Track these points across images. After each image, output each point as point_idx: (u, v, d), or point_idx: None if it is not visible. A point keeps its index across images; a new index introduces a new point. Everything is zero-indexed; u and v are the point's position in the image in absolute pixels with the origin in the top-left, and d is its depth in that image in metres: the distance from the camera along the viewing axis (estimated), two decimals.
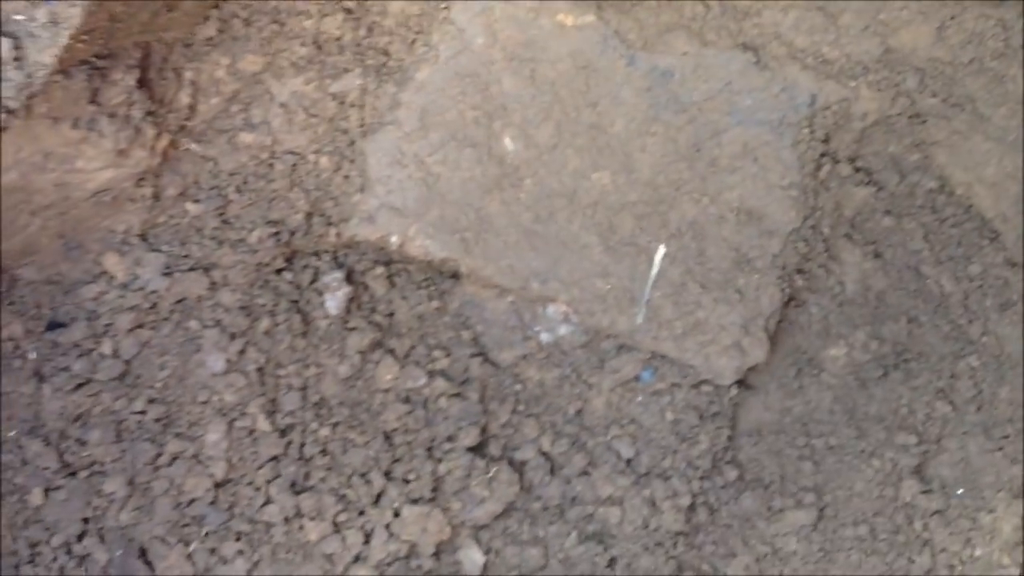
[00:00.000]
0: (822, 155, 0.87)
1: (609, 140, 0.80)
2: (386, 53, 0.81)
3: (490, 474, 0.83)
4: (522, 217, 0.79)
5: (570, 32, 0.78)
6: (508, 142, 0.78)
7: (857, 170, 0.91)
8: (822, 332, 0.93)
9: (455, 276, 0.83)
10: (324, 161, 0.82)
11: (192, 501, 0.80)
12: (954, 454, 0.90)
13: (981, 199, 0.92)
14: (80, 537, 0.77)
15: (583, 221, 0.80)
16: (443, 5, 0.78)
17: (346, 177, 0.81)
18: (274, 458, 0.80)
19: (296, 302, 0.83)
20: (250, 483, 0.80)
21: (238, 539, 0.79)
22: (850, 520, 0.88)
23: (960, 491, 0.89)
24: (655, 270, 0.81)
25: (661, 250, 0.81)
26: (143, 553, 0.78)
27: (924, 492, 0.89)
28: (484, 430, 0.84)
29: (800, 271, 0.90)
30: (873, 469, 0.89)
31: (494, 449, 0.85)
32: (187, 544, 0.79)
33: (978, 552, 0.87)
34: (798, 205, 0.85)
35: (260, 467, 0.80)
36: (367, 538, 0.79)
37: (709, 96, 0.82)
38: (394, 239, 0.78)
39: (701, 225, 0.83)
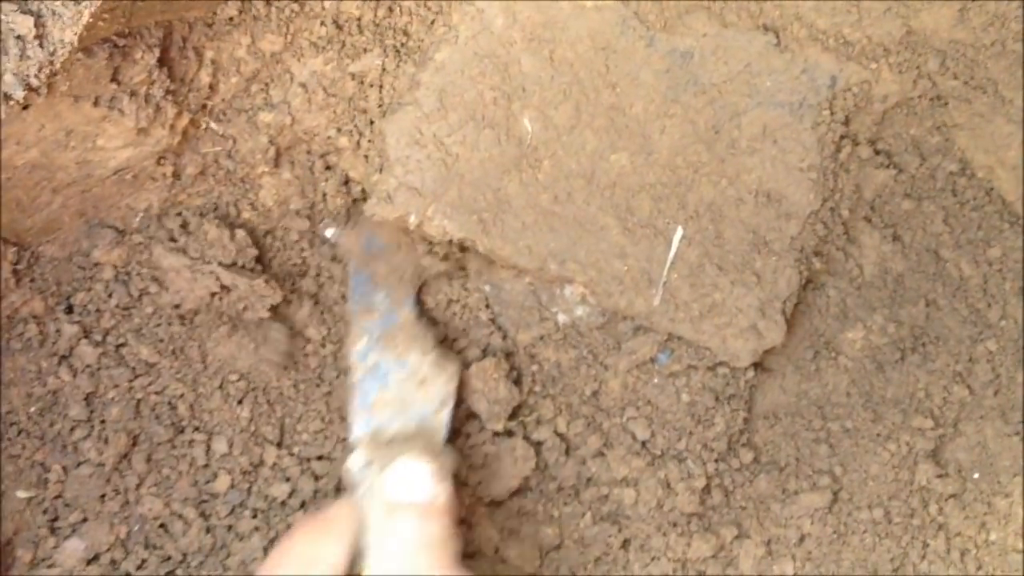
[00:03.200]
0: (842, 137, 0.86)
1: (628, 121, 0.79)
2: (405, 33, 0.81)
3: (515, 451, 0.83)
4: (540, 198, 0.78)
5: (590, 13, 0.78)
6: (527, 123, 0.77)
7: (877, 152, 0.91)
8: (839, 315, 0.92)
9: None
10: (343, 141, 0.82)
11: (209, 480, 0.81)
12: (971, 438, 0.90)
13: (1002, 182, 0.92)
14: (98, 513, 0.78)
15: (601, 202, 0.79)
16: None
17: (365, 157, 0.81)
18: None
19: None
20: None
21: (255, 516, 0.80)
22: (865, 503, 0.88)
23: (976, 475, 0.89)
24: (673, 252, 0.80)
25: (679, 232, 0.80)
26: (163, 527, 0.79)
27: (940, 476, 0.88)
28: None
29: (818, 253, 0.89)
30: (889, 452, 0.89)
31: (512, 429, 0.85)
32: (206, 518, 0.80)
33: (993, 536, 0.87)
34: (817, 187, 0.84)
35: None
36: None
37: (729, 78, 0.81)
38: (412, 219, 0.77)
39: (719, 207, 0.82)
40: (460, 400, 0.83)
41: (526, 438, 0.84)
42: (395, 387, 0.81)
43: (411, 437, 0.80)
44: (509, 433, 0.85)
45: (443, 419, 0.81)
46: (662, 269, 0.81)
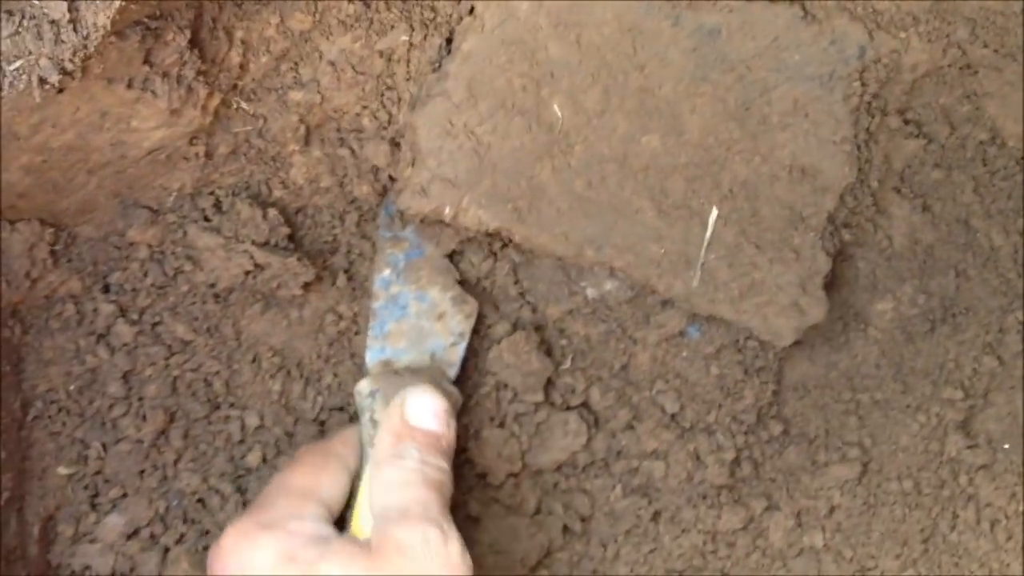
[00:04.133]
0: (872, 107, 0.85)
1: (657, 103, 0.79)
2: (433, 9, 0.81)
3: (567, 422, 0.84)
4: (574, 184, 0.78)
5: None
6: (557, 109, 0.76)
7: (907, 122, 0.90)
8: (869, 286, 0.92)
9: (507, 244, 0.83)
10: (366, 121, 0.82)
11: (244, 455, 0.82)
12: (1000, 408, 0.90)
13: None
14: (137, 489, 0.80)
15: (634, 186, 0.79)
16: None
17: (392, 141, 0.82)
18: None
19: None
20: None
21: None
22: (895, 475, 0.89)
23: (1006, 446, 0.89)
24: (709, 232, 0.80)
25: (714, 212, 0.80)
26: (201, 502, 0.81)
27: (970, 447, 0.88)
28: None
29: (847, 225, 0.89)
30: (919, 424, 0.89)
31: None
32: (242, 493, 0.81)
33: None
34: (851, 160, 0.83)
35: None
36: None
37: (757, 53, 0.80)
38: (448, 211, 0.77)
39: (754, 185, 0.82)
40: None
41: (579, 412, 0.85)
42: (413, 318, 0.82)
43: (421, 370, 0.81)
44: (567, 407, 0.85)
45: (458, 354, 0.82)
46: (699, 250, 0.81)
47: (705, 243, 0.81)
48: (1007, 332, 0.91)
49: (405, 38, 0.80)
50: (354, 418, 0.81)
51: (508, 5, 0.77)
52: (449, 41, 0.80)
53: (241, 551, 0.67)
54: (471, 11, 0.78)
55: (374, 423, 0.75)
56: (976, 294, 0.91)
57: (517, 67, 0.77)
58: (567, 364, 0.86)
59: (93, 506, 0.79)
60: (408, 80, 0.81)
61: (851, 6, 0.83)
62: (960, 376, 0.90)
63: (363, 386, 0.78)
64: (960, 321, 0.91)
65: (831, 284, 0.87)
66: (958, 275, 0.92)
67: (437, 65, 0.80)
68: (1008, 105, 0.89)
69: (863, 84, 0.83)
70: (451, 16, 0.81)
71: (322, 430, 0.82)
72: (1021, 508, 0.86)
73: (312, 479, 0.72)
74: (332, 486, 0.72)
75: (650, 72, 0.79)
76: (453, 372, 0.82)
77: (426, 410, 0.73)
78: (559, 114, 0.77)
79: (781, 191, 0.82)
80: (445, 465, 0.71)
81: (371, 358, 0.81)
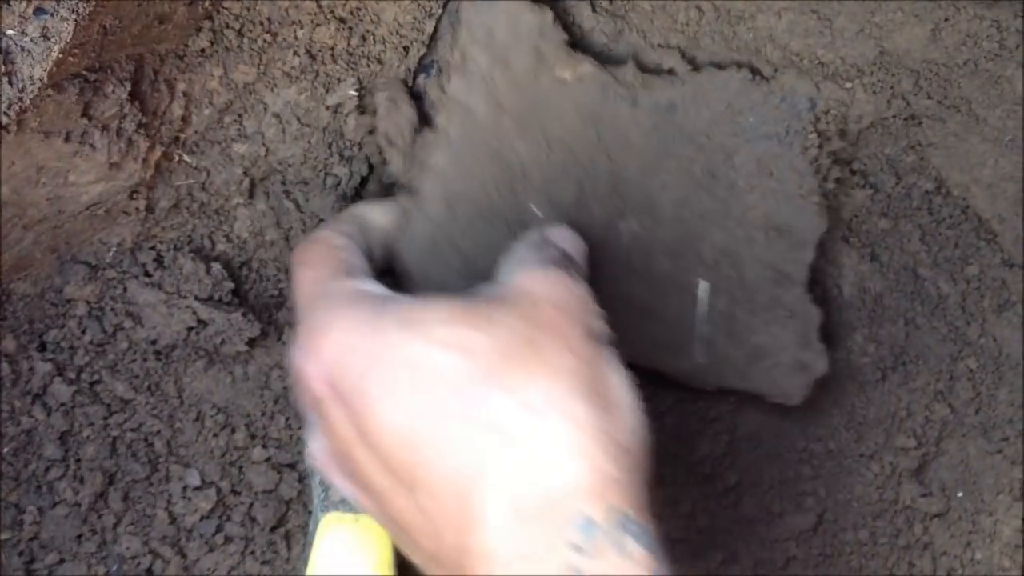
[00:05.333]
0: (830, 157, 0.86)
1: (628, 185, 0.78)
2: (380, 61, 0.81)
3: None
4: None
5: (571, 86, 0.76)
6: (534, 208, 0.75)
7: (853, 172, 0.91)
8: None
9: None
10: (312, 174, 0.81)
11: (187, 515, 0.79)
12: (953, 456, 0.90)
13: (978, 200, 0.92)
14: (75, 554, 0.77)
15: (620, 271, 0.78)
16: (444, 81, 0.76)
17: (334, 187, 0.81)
18: None
19: None
20: None
21: None
22: (850, 524, 0.88)
23: (960, 494, 0.89)
24: (702, 305, 0.79)
25: (704, 285, 0.79)
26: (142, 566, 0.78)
27: (924, 495, 0.88)
28: None
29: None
30: (872, 473, 0.89)
31: None
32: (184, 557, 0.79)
33: (979, 555, 0.87)
34: (821, 210, 0.83)
35: None
36: None
37: (713, 121, 0.80)
38: None
39: (734, 251, 0.81)
40: None
41: None
42: None
43: None
44: None
45: None
46: (695, 325, 0.80)
47: (699, 317, 0.80)
48: (958, 380, 0.91)
49: (353, 92, 0.80)
50: (304, 478, 0.79)
51: (468, 113, 0.76)
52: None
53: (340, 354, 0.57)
54: (430, 122, 0.78)
55: (324, 487, 0.73)
56: (926, 342, 0.92)
57: (488, 172, 0.76)
58: None
59: (29, 573, 0.76)
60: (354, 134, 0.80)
61: (797, 58, 0.84)
62: (912, 424, 0.90)
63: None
64: (911, 369, 0.92)
65: None
66: (907, 323, 0.92)
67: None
68: (952, 155, 0.90)
69: (819, 135, 0.83)
70: (398, 67, 0.80)
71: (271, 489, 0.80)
72: (976, 556, 0.86)
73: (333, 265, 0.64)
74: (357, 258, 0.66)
75: (616, 156, 0.78)
76: None
77: (565, 236, 0.66)
78: (538, 213, 0.76)
79: (761, 252, 0.82)
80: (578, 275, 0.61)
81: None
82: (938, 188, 0.93)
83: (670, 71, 0.82)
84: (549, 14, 0.76)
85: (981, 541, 0.87)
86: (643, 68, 0.80)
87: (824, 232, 0.84)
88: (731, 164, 0.81)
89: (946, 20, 0.83)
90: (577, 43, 0.80)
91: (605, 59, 0.80)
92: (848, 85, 0.86)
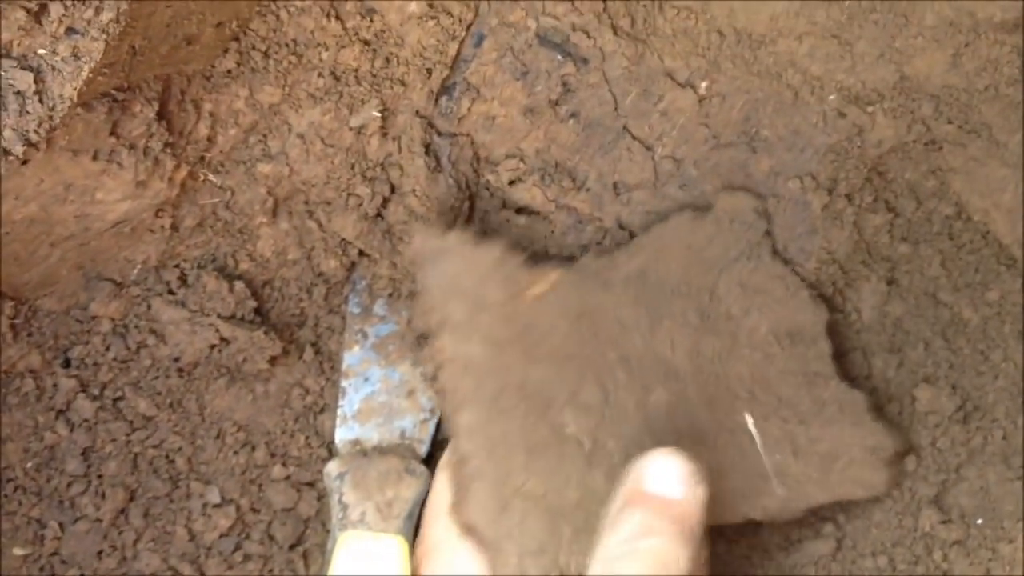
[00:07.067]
0: (831, 192, 0.87)
1: (641, 361, 0.78)
2: (403, 83, 0.81)
3: None
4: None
5: (548, 297, 0.77)
6: (570, 421, 0.74)
7: (875, 199, 0.91)
8: (838, 358, 0.92)
9: None
10: (335, 194, 0.82)
11: (206, 532, 0.79)
12: (973, 483, 0.89)
13: (998, 225, 0.92)
14: (95, 570, 0.77)
15: (674, 440, 0.75)
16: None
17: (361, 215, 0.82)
18: None
19: None
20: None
21: None
22: (869, 550, 0.88)
23: (979, 521, 0.88)
24: (758, 440, 0.79)
25: (749, 419, 0.79)
26: None
27: (943, 522, 0.88)
28: None
29: (820, 296, 0.89)
30: (892, 499, 0.89)
31: None
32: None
33: None
34: (815, 300, 0.84)
35: None
36: None
37: (684, 268, 0.82)
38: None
39: (760, 375, 0.81)
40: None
41: None
42: (383, 395, 0.81)
43: (391, 449, 0.80)
44: None
45: (428, 430, 0.82)
46: (761, 460, 0.79)
47: (762, 450, 0.80)
48: (978, 405, 0.90)
49: (377, 113, 0.80)
50: (323, 496, 0.79)
51: (468, 368, 0.74)
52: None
53: None
54: (443, 389, 0.76)
55: (343, 505, 0.73)
56: (946, 367, 0.91)
57: (516, 408, 0.74)
58: None
59: None
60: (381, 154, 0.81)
61: (817, 83, 0.84)
62: (932, 450, 0.90)
63: (331, 468, 0.77)
64: (931, 394, 0.91)
65: None
66: (927, 348, 0.92)
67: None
68: (973, 180, 0.90)
69: (768, 222, 0.85)
70: (421, 88, 0.81)
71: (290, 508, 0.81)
72: None
73: None
74: None
75: (618, 340, 0.78)
76: (424, 449, 0.81)
77: (665, 472, 0.64)
78: (574, 425, 0.75)
79: (784, 364, 0.82)
80: (674, 534, 0.61)
81: (340, 437, 0.80)
82: (958, 213, 0.92)
83: (631, 234, 0.85)
84: (498, 244, 0.76)
85: (1000, 568, 0.86)
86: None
87: (828, 318, 0.85)
88: (718, 298, 0.82)
89: (966, 46, 0.83)
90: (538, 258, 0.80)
91: (567, 254, 0.84)
92: (869, 109, 0.86)
